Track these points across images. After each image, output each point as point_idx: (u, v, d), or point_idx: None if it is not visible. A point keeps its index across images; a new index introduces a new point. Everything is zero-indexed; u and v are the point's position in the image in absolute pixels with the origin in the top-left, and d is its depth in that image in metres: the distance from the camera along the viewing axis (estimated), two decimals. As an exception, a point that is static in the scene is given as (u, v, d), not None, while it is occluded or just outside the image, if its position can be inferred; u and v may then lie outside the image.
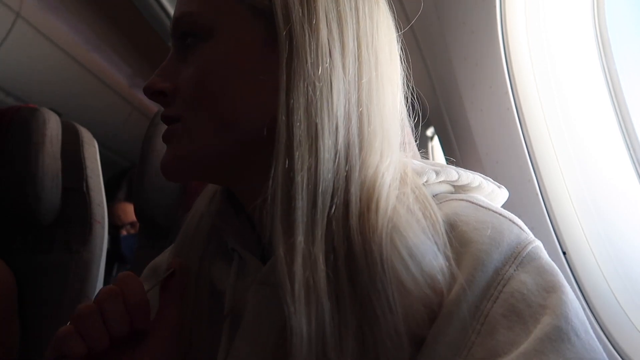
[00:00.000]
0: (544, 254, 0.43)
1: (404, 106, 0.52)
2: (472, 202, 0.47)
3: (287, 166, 0.42)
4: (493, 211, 0.46)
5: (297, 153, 0.42)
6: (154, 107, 3.10)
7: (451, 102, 1.17)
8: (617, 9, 0.87)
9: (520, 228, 0.44)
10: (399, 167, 0.46)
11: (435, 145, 1.79)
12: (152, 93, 0.48)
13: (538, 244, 0.44)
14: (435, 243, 0.42)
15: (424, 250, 0.41)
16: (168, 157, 0.48)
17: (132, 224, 2.25)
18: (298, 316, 0.39)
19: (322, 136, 0.42)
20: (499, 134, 0.96)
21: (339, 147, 0.43)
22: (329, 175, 0.42)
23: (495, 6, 0.91)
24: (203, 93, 0.46)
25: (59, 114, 1.19)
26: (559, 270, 0.42)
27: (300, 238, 0.40)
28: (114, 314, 0.44)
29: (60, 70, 2.39)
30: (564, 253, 0.86)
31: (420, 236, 0.42)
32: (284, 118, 0.42)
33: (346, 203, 0.42)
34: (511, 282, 0.40)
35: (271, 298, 0.46)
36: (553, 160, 0.89)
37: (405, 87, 0.52)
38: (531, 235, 0.44)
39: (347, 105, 0.44)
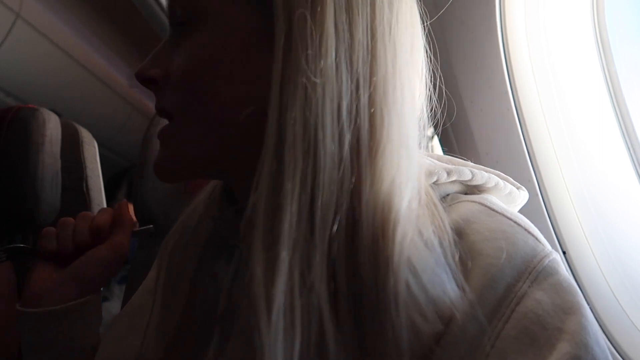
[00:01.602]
0: (562, 269, 0.39)
1: (425, 108, 0.47)
2: (486, 206, 0.42)
3: (274, 169, 0.36)
4: (507, 218, 0.41)
5: (289, 156, 0.36)
6: (154, 107, 3.09)
7: (451, 102, 1.17)
8: (617, 10, 0.87)
9: (537, 239, 0.40)
10: (420, 181, 0.40)
11: (435, 145, 1.79)
12: (143, 79, 0.46)
13: (555, 256, 0.39)
14: (448, 269, 0.37)
15: (438, 284, 0.36)
16: (159, 158, 0.46)
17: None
18: (271, 351, 0.33)
19: (323, 140, 0.36)
20: (499, 134, 0.96)
21: (344, 154, 0.36)
22: (332, 187, 0.35)
23: (495, 6, 0.91)
24: (191, 82, 0.42)
25: (59, 114, 1.18)
26: (577, 288, 0.38)
27: (284, 254, 0.34)
28: (81, 228, 0.61)
29: (60, 70, 2.39)
30: (564, 253, 0.86)
31: (435, 269, 0.37)
32: (275, 115, 0.37)
33: (354, 223, 0.36)
34: (525, 300, 0.36)
35: None
36: (553, 160, 0.88)
37: (431, 85, 0.47)
38: (548, 247, 0.40)
39: (354, 105, 0.37)
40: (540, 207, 0.89)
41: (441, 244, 0.38)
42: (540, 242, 0.40)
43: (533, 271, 0.38)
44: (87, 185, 1.12)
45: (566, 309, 0.36)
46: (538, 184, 0.89)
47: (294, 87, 0.37)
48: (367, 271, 0.35)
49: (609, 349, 0.79)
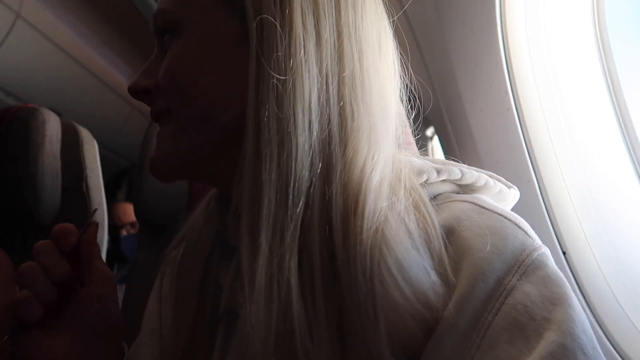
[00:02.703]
0: (551, 262, 0.40)
1: (401, 103, 0.50)
2: (476, 204, 0.44)
3: (253, 162, 0.40)
4: (497, 214, 0.42)
5: (266, 150, 0.40)
6: (154, 107, 3.09)
7: (451, 102, 1.17)
8: (617, 10, 0.87)
9: (526, 233, 0.42)
10: (394, 167, 0.44)
11: (435, 145, 1.78)
12: (136, 92, 0.48)
13: (544, 250, 0.41)
14: (430, 255, 0.40)
15: (415, 266, 0.38)
16: (152, 157, 0.48)
17: (132, 224, 2.25)
18: (253, 319, 0.37)
19: (295, 132, 0.39)
20: (499, 134, 0.96)
21: (312, 144, 0.40)
22: (303, 173, 0.39)
23: (495, 6, 0.91)
24: (178, 86, 0.45)
25: (59, 114, 1.19)
26: (565, 280, 0.39)
27: (262, 240, 0.38)
28: (50, 261, 0.48)
29: (60, 70, 2.39)
30: (564, 253, 0.86)
31: (410, 250, 0.39)
32: (252, 113, 0.41)
33: (326, 205, 0.39)
34: (514, 293, 0.38)
35: None
36: (553, 160, 0.88)
37: (405, 81, 0.50)
38: (537, 241, 0.42)
39: (323, 99, 0.41)
40: (540, 207, 0.89)
41: (426, 234, 0.41)
42: (529, 236, 0.41)
43: (522, 265, 0.39)
44: (87, 185, 1.12)
45: (554, 300, 0.37)
46: (538, 184, 0.89)
47: (267, 85, 0.41)
48: (340, 249, 0.38)
49: (609, 349, 0.79)
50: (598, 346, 0.37)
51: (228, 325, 0.49)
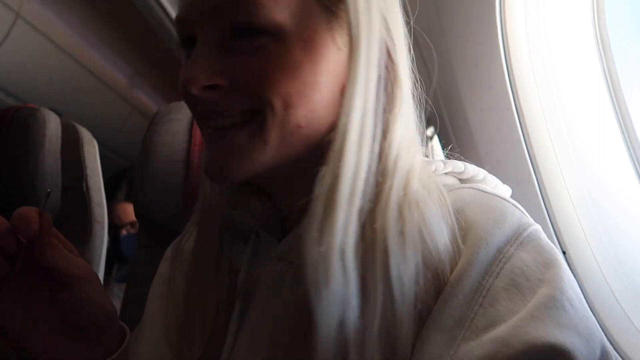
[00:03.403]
0: (543, 236, 0.46)
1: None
2: (480, 190, 0.50)
3: (334, 169, 0.44)
4: (498, 197, 0.49)
5: (347, 157, 0.44)
6: (153, 107, 3.10)
7: (451, 102, 1.17)
8: (617, 10, 0.87)
9: (522, 212, 0.48)
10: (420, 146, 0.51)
11: (436, 145, 1.79)
12: (203, 87, 0.45)
13: (538, 227, 0.47)
14: (445, 223, 0.46)
15: (436, 228, 0.45)
16: (222, 161, 0.47)
17: (132, 224, 2.25)
18: (329, 305, 0.41)
19: (374, 139, 0.46)
20: (499, 134, 0.96)
21: (375, 147, 0.46)
22: (371, 168, 0.45)
23: (495, 6, 0.91)
24: (277, 92, 0.44)
25: (59, 114, 1.19)
26: (556, 249, 0.45)
27: (335, 231, 0.42)
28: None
29: (60, 70, 2.39)
30: (564, 253, 0.86)
31: (435, 215, 0.46)
32: (344, 121, 0.44)
33: (388, 194, 0.45)
34: (512, 259, 0.44)
35: (286, 273, 0.50)
36: (553, 160, 0.88)
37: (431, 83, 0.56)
38: (531, 220, 0.48)
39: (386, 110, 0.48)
40: (540, 207, 0.89)
41: (441, 207, 0.47)
42: (525, 215, 0.48)
43: (519, 237, 0.45)
44: (87, 185, 1.12)
45: (546, 264, 0.43)
46: (538, 184, 0.89)
47: (361, 95, 0.45)
48: (395, 219, 0.44)
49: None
50: (586, 304, 0.43)
51: (244, 303, 0.52)
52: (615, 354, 0.78)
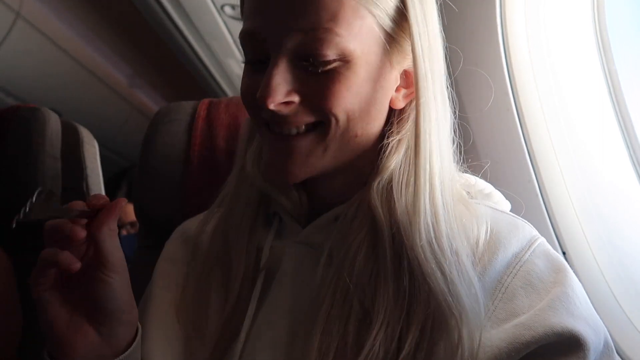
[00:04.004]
0: (550, 247, 0.56)
1: None
2: (492, 208, 0.59)
3: (393, 157, 0.54)
4: (510, 215, 0.59)
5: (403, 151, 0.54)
6: (154, 107, 3.09)
7: (451, 102, 1.17)
8: (617, 10, 0.87)
9: (531, 228, 0.57)
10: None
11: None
12: (280, 104, 0.50)
13: (544, 240, 0.56)
14: (467, 237, 0.54)
15: (472, 226, 0.55)
16: (287, 164, 0.53)
17: (132, 224, 2.25)
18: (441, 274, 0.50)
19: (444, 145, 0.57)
20: (499, 134, 0.96)
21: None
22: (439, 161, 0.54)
23: (495, 6, 0.91)
24: (343, 109, 0.50)
25: (59, 114, 1.19)
26: (562, 257, 0.54)
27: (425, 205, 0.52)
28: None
29: (60, 70, 2.39)
30: (564, 253, 0.86)
31: (456, 231, 0.53)
32: (413, 128, 0.53)
33: (432, 194, 0.53)
34: (527, 264, 0.52)
35: (308, 256, 0.57)
36: (553, 160, 0.88)
37: None
38: (539, 234, 0.57)
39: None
40: (540, 208, 0.89)
41: (464, 224, 0.55)
42: (534, 230, 0.57)
43: (532, 246, 0.54)
44: (87, 185, 1.12)
45: (556, 269, 0.53)
46: (538, 184, 0.89)
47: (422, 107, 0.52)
48: (435, 225, 0.52)
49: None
50: (589, 301, 0.52)
51: (266, 280, 0.58)
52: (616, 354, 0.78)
